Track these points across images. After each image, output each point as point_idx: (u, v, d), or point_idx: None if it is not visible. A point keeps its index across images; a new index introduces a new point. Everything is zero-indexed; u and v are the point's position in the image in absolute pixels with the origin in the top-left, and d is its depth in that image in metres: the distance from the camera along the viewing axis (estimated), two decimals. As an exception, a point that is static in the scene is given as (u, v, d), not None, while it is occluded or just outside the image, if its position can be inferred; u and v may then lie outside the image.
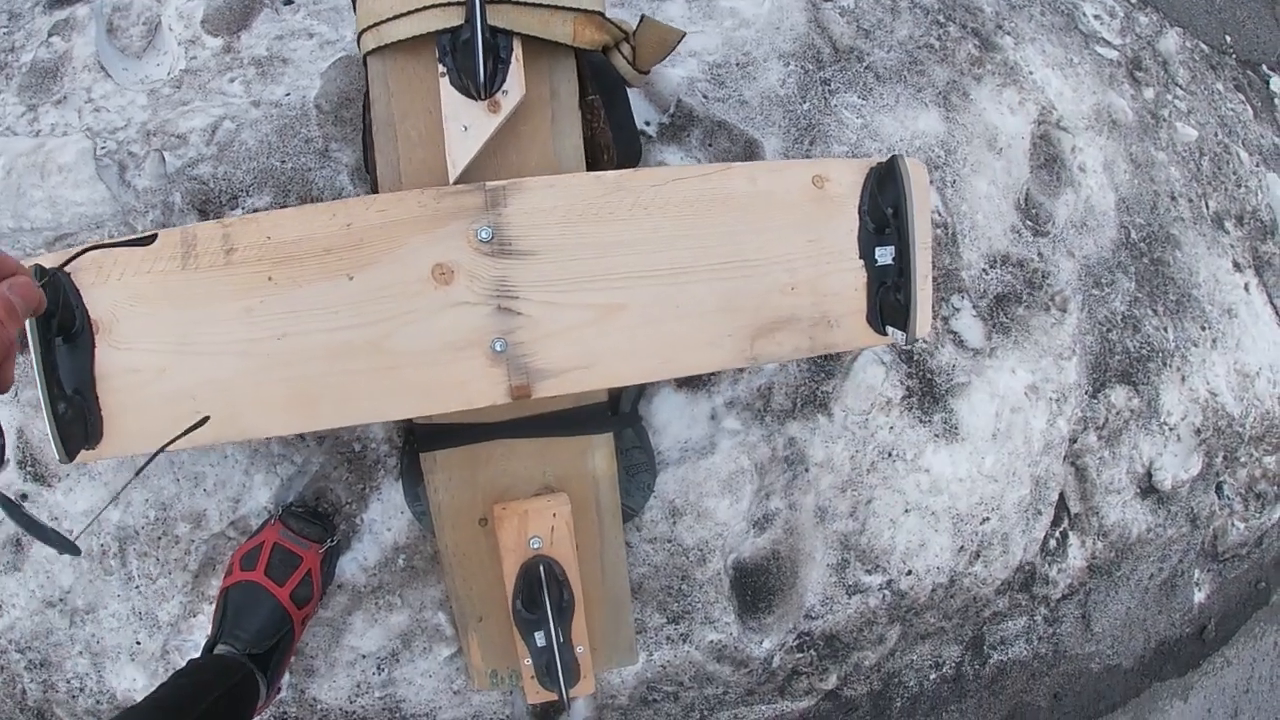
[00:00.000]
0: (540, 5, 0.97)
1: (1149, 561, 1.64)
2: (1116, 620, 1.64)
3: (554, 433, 1.09)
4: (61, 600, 1.22)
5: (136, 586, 1.21)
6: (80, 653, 1.25)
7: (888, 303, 1.10)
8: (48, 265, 0.96)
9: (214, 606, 1.14)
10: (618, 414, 1.14)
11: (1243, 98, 2.14)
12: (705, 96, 1.28)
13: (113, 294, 0.97)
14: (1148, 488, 1.60)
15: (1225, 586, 1.79)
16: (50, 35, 1.42)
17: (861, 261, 1.09)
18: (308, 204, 1.08)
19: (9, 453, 0.62)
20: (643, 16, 1.01)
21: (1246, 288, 1.82)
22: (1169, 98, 1.93)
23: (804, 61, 1.34)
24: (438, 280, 0.96)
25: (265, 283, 0.97)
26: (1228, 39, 2.30)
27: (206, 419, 0.92)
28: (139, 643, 1.24)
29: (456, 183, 0.97)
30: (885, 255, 1.10)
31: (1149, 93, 1.88)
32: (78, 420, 0.95)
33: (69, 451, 0.94)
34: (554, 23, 0.98)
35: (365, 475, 1.18)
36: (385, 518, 1.18)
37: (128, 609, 1.22)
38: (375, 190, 1.06)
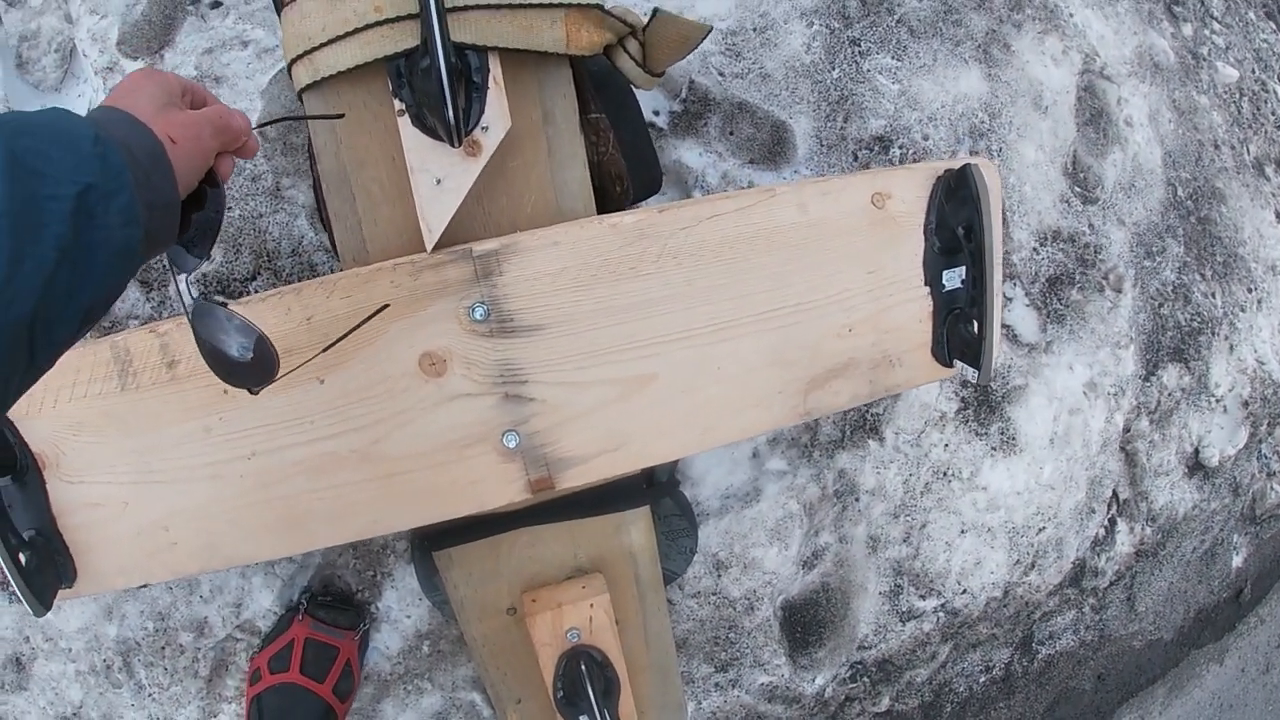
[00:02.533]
0: (519, 6, 0.68)
1: (1193, 536, 1.47)
2: (1159, 597, 1.48)
3: (583, 514, 0.87)
4: (75, 715, 1.04)
5: (150, 695, 1.02)
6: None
7: (956, 333, 0.86)
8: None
9: (245, 717, 0.95)
10: (654, 484, 0.92)
11: (1274, 26, 1.83)
12: (721, 74, 0.99)
13: (50, 424, 0.75)
14: (1195, 465, 1.41)
15: (1261, 547, 1.63)
16: (-54, 76, 1.10)
17: (927, 289, 0.85)
18: (255, 295, 0.81)
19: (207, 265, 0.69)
20: (656, 10, 0.72)
21: (1287, 237, 1.57)
22: (1206, 33, 1.62)
23: (829, 19, 1.05)
24: (427, 372, 0.72)
25: (221, 396, 0.73)
26: (1254, -42, 1.96)
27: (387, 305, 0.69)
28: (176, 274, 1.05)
29: (436, 250, 0.70)
30: (954, 279, 0.86)
31: (1187, 29, 1.58)
32: (46, 565, 0.75)
33: (42, 600, 0.74)
34: (540, 27, 0.70)
35: (374, 562, 0.97)
36: (402, 605, 0.98)
37: (145, 717, 1.03)
38: (336, 253, 0.79)
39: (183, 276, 0.54)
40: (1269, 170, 1.58)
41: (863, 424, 1.08)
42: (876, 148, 1.11)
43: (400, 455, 0.74)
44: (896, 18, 1.15)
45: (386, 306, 0.68)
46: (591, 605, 0.88)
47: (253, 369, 0.56)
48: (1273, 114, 1.62)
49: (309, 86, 0.71)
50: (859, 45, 1.11)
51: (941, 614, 1.16)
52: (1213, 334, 1.36)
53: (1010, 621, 1.26)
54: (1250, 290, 1.44)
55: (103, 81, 1.06)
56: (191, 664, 0.96)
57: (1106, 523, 1.33)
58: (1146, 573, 1.42)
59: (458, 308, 0.70)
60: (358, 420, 0.73)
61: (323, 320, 0.70)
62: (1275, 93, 1.67)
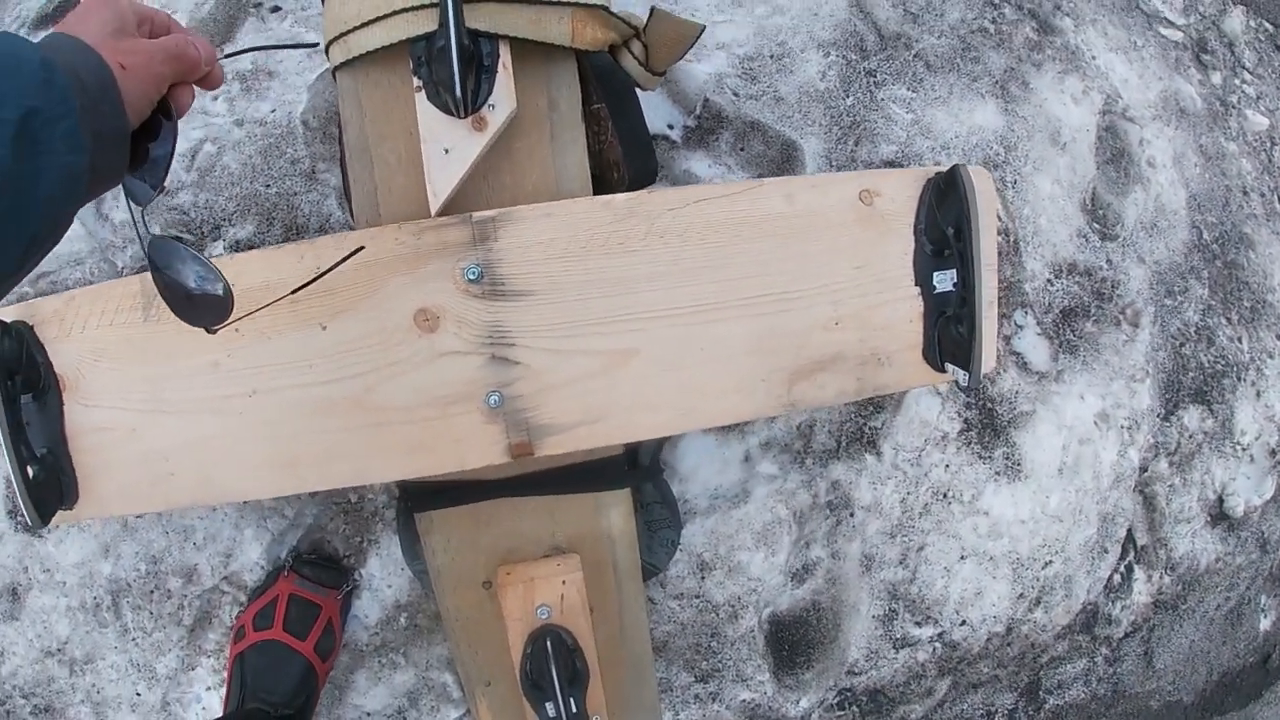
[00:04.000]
0: (530, 2, 0.75)
1: (1216, 592, 1.38)
2: (1179, 655, 1.39)
3: (564, 489, 0.89)
4: (60, 650, 1.08)
5: (133, 639, 1.06)
6: (82, 701, 1.11)
7: (947, 335, 0.87)
8: (8, 318, 0.80)
9: (226, 674, 0.98)
10: (636, 467, 0.93)
11: None
12: (736, 94, 1.05)
13: (76, 348, 0.81)
14: (1218, 514, 1.34)
15: (1297, 612, 1.53)
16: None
17: (918, 289, 0.86)
18: (271, 246, 0.88)
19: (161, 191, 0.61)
20: (653, 9, 0.79)
21: (1323, 288, 1.53)
22: (1236, 82, 1.63)
23: (846, 51, 1.10)
24: (421, 327, 0.77)
25: (231, 334, 0.78)
26: (1292, 14, 1.96)
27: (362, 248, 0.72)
28: (139, 694, 1.09)
29: (440, 214, 0.76)
30: (945, 281, 0.87)
31: (1216, 77, 1.58)
32: (51, 482, 0.81)
33: (42, 515, 0.79)
34: (548, 21, 0.76)
35: (363, 528, 1.00)
36: (385, 573, 1.00)
37: (125, 660, 1.07)
38: (353, 217, 0.86)
39: (138, 209, 0.55)
40: (1303, 221, 1.55)
41: (860, 436, 1.07)
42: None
43: (390, 406, 0.78)
44: (914, 53, 1.20)
45: (362, 249, 0.71)
46: (564, 583, 0.88)
47: (209, 305, 0.57)
48: (1306, 165, 1.60)
49: (342, 65, 0.79)
50: (874, 76, 1.15)
51: (938, 644, 1.12)
52: (1238, 379, 1.32)
53: (1015, 663, 1.20)
54: (1279, 338, 1.40)
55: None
56: (176, 611, 1.00)
57: (1123, 569, 1.27)
58: (1166, 627, 1.34)
59: (454, 268, 0.75)
60: (353, 368, 0.77)
61: (331, 270, 0.75)
62: (1310, 145, 1.65)
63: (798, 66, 1.05)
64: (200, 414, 0.80)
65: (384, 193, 0.81)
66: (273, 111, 1.05)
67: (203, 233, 1.01)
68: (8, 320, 0.81)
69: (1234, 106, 1.58)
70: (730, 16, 1.08)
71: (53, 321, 0.82)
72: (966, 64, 1.17)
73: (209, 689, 1.02)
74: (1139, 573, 1.27)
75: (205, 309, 0.57)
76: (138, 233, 0.56)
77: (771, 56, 1.06)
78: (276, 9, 1.13)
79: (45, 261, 1.07)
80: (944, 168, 0.85)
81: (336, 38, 0.79)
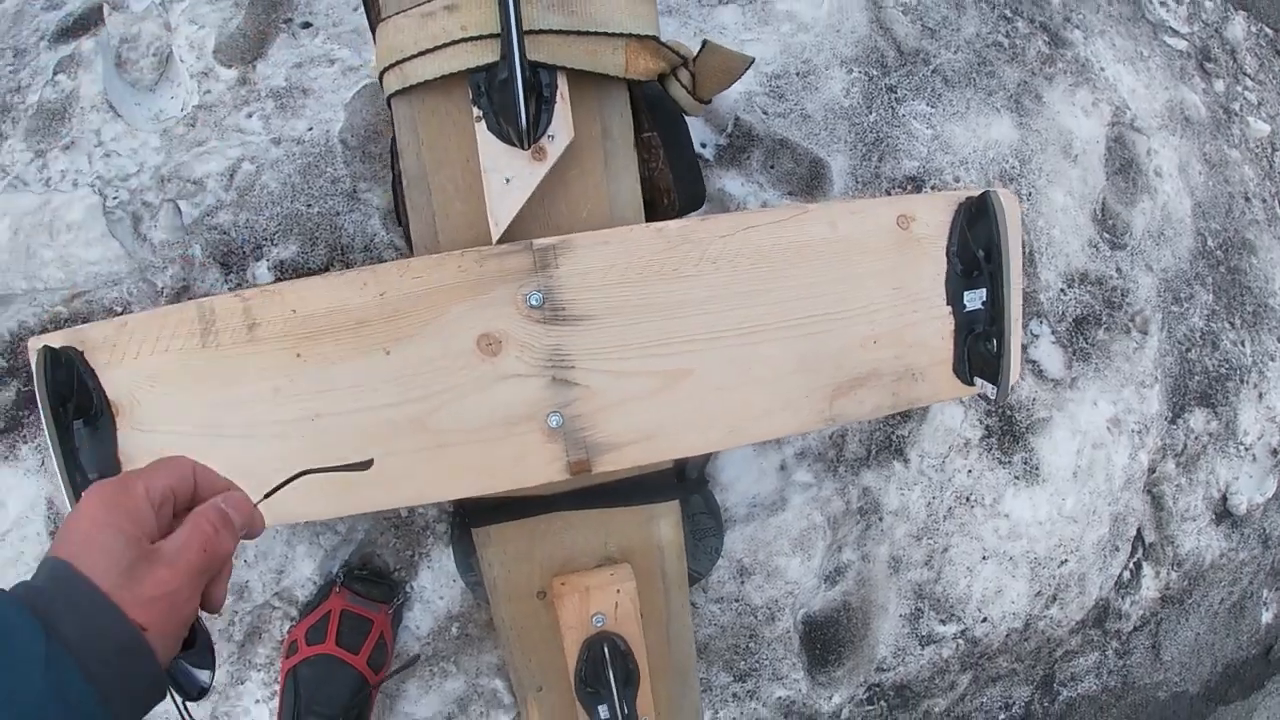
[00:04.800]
0: (587, 34, 0.80)
1: (1220, 587, 1.48)
2: (1185, 647, 1.49)
3: (616, 503, 0.94)
4: None
5: (181, 655, 1.09)
6: None
7: (976, 351, 0.93)
8: (56, 343, 0.83)
9: (279, 689, 1.02)
10: (684, 480, 0.99)
11: None
12: (765, 112, 1.10)
13: (129, 374, 0.84)
14: (1222, 512, 1.43)
15: (1296, 604, 1.63)
16: (56, 73, 1.26)
17: (949, 308, 0.92)
18: (340, 265, 0.92)
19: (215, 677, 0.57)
20: (705, 41, 0.83)
21: (1320, 290, 1.62)
22: (1239, 89, 1.71)
23: (867, 67, 1.16)
24: (484, 352, 0.81)
25: (293, 360, 0.82)
26: (1288, 17, 2.05)
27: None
28: (188, 709, 1.13)
29: (500, 242, 0.81)
30: (974, 300, 0.93)
31: (1219, 85, 1.67)
32: None
33: None
34: (603, 53, 0.81)
35: (414, 541, 1.05)
36: (436, 585, 1.05)
37: None
38: (409, 245, 0.90)
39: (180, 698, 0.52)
40: (1302, 225, 1.64)
41: (888, 444, 1.14)
42: (909, 187, 1.20)
43: (452, 428, 0.82)
44: (932, 68, 1.25)
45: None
46: (618, 592, 0.94)
47: None
48: (1305, 170, 1.69)
49: (398, 93, 0.83)
50: (895, 92, 1.21)
51: (961, 641, 1.19)
52: (1241, 381, 1.40)
53: (1031, 657, 1.28)
54: (1281, 341, 1.49)
55: (197, 85, 1.20)
56: (227, 627, 1.04)
57: (1132, 566, 1.35)
58: (1172, 620, 1.43)
59: (516, 294, 0.80)
60: (416, 392, 0.81)
61: (394, 296, 0.79)
62: (1308, 150, 1.74)
63: (822, 84, 1.11)
64: (261, 439, 0.84)
65: (442, 219, 0.85)
66: (310, 130, 1.08)
67: (244, 253, 1.04)
68: (56, 346, 0.84)
69: (1236, 114, 1.67)
70: (757, 35, 1.13)
71: (104, 348, 0.85)
72: (982, 78, 1.23)
73: (258, 702, 1.06)
74: (1147, 569, 1.36)
75: None
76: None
77: (798, 74, 1.11)
78: (308, 25, 1.16)
79: (82, 280, 1.10)
80: (975, 192, 0.91)
81: (391, 65, 0.83)
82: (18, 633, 0.36)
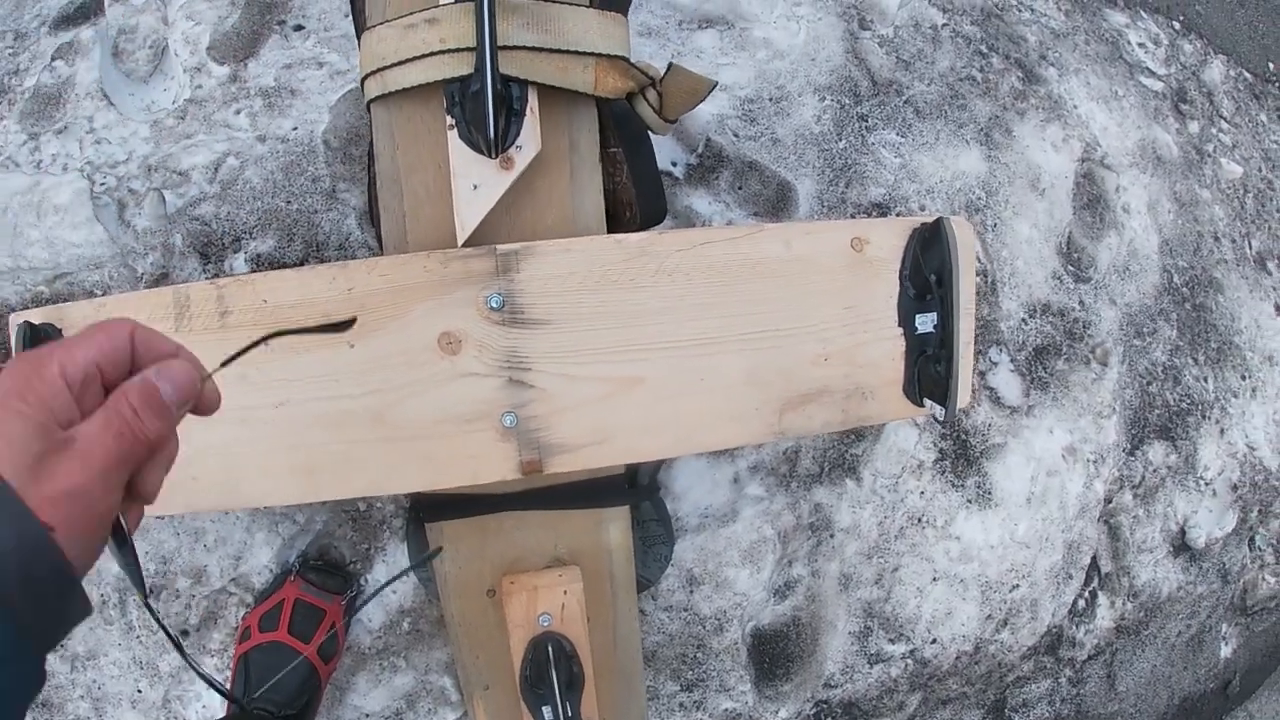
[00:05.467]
0: (558, 51, 0.85)
1: (1178, 619, 1.52)
2: (1141, 679, 1.52)
3: (567, 505, 0.98)
4: (61, 645, 1.15)
5: (137, 637, 1.13)
6: (81, 697, 1.18)
7: (926, 373, 0.98)
8: (36, 320, 0.87)
9: (230, 673, 1.05)
10: (635, 486, 1.03)
11: None
12: (736, 135, 1.16)
13: None
14: (1180, 545, 1.48)
15: (1252, 640, 1.67)
16: (54, 59, 1.32)
17: (900, 330, 0.97)
18: (305, 266, 0.97)
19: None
20: (671, 63, 0.89)
21: (1289, 332, 1.68)
22: (1213, 131, 1.78)
23: (840, 95, 1.22)
24: (444, 350, 0.86)
25: (261, 350, 0.86)
26: (1270, 65, 2.14)
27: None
28: (140, 691, 1.16)
29: (465, 245, 0.86)
30: (926, 323, 0.98)
31: (1194, 126, 1.73)
32: None
33: None
34: (573, 70, 0.86)
35: (370, 535, 1.09)
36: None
37: (128, 658, 1.14)
38: (381, 245, 0.95)
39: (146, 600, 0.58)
40: (1270, 265, 1.70)
41: (841, 462, 1.18)
42: (874, 213, 1.26)
43: (410, 422, 0.87)
44: (904, 99, 1.32)
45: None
46: (565, 593, 0.98)
47: None
48: (1276, 211, 1.76)
49: (377, 98, 0.88)
50: (866, 121, 1.27)
51: (910, 661, 1.23)
52: (1203, 416, 1.45)
53: (982, 681, 1.32)
54: (1244, 378, 1.54)
55: (190, 79, 1.25)
56: (184, 610, 1.07)
57: (1087, 595, 1.39)
58: (1128, 651, 1.47)
59: (477, 296, 0.84)
60: (377, 385, 0.86)
61: (360, 293, 0.84)
62: (1281, 193, 1.81)
63: (795, 110, 1.17)
64: (226, 423, 0.88)
65: (412, 221, 0.90)
66: (294, 129, 1.14)
67: (223, 244, 1.09)
68: (36, 322, 0.88)
69: (1209, 155, 1.73)
70: (733, 59, 1.19)
71: (82, 325, 0.90)
72: (954, 111, 1.29)
73: (210, 689, 1.10)
74: (1103, 598, 1.40)
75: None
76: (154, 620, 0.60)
77: (770, 99, 1.17)
78: (300, 28, 1.22)
79: (65, 261, 1.14)
80: (930, 218, 0.96)
81: (373, 72, 0.89)
82: None
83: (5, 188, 1.18)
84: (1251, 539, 1.61)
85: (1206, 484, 1.47)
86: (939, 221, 0.93)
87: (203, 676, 0.66)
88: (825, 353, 0.94)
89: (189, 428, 0.89)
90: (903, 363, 0.98)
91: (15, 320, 0.88)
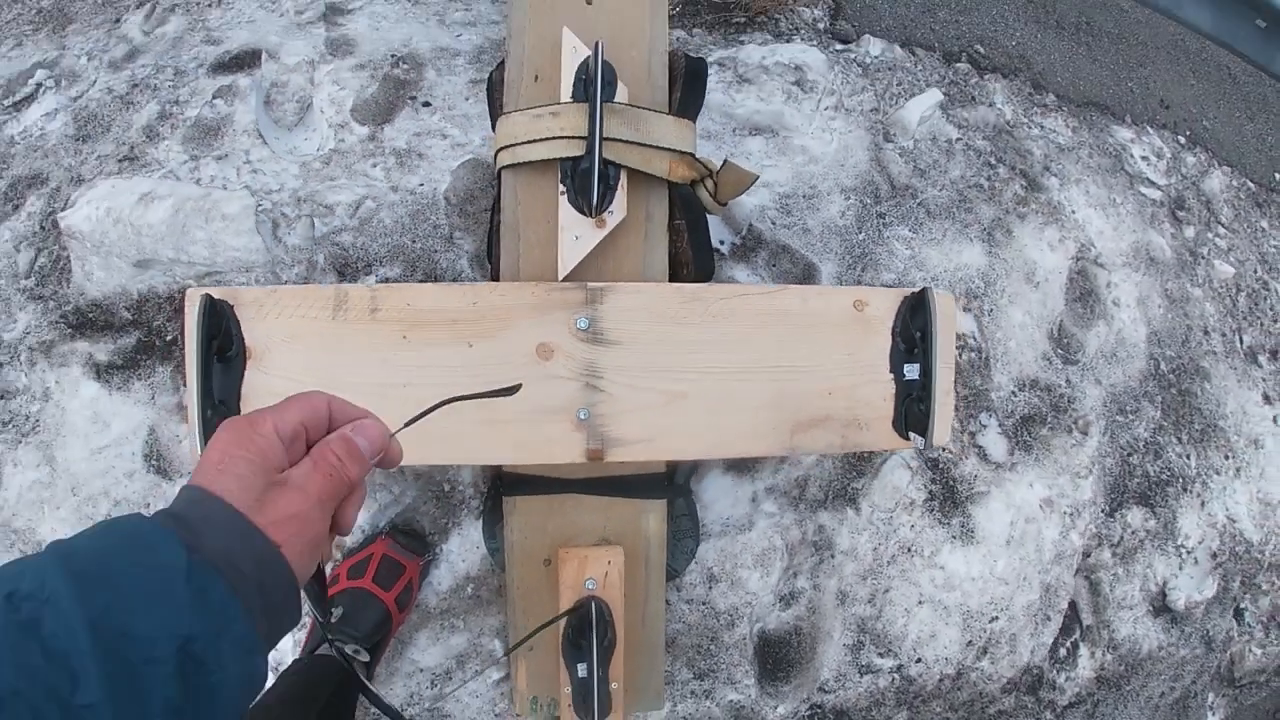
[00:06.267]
0: (644, 145, 1.31)
1: (1160, 679, 1.82)
2: (1124, 737, 1.82)
3: (617, 493, 1.37)
4: None
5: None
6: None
7: (912, 412, 1.37)
8: (215, 295, 1.30)
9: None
10: (673, 484, 1.42)
11: None
12: (773, 223, 1.60)
13: (269, 328, 1.25)
14: (1161, 606, 1.80)
15: (1240, 713, 1.95)
16: (214, 97, 1.81)
17: (891, 375, 1.37)
18: (441, 282, 1.41)
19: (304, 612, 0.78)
20: (726, 160, 1.34)
21: (1276, 420, 2.03)
22: (1209, 235, 2.20)
23: (863, 196, 1.66)
24: (540, 356, 1.27)
25: (400, 340, 1.28)
26: (1277, 175, 2.56)
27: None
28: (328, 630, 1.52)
29: (564, 280, 1.29)
30: (912, 371, 1.38)
31: (1189, 231, 2.15)
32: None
33: (205, 445, 1.23)
34: (654, 160, 1.32)
35: (450, 511, 1.48)
36: (462, 550, 1.47)
37: None
38: (495, 277, 1.39)
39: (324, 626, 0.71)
40: (1262, 359, 2.07)
41: (843, 493, 1.56)
42: (891, 282, 1.68)
43: (507, 409, 1.28)
44: (918, 201, 1.75)
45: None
46: (609, 563, 1.35)
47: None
48: (1270, 309, 2.14)
49: (507, 166, 1.34)
50: (884, 218, 1.71)
51: (897, 676, 1.56)
52: (1184, 489, 1.81)
53: (965, 709, 1.63)
54: (1228, 458, 1.89)
55: (334, 133, 1.74)
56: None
57: (1069, 644, 1.72)
58: (1110, 704, 1.77)
59: (569, 318, 1.27)
60: (485, 377, 1.27)
61: (483, 306, 1.26)
62: (1276, 291, 2.19)
63: (824, 205, 1.61)
64: (363, 393, 1.23)
65: (525, 259, 1.34)
66: (421, 185, 1.60)
67: (358, 267, 1.54)
68: (215, 297, 1.29)
69: (1203, 257, 2.14)
70: (775, 162, 1.64)
71: (252, 305, 1.27)
72: (961, 213, 1.73)
73: (300, 625, 1.47)
74: (1084, 649, 1.72)
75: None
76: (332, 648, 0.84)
77: (804, 196, 1.62)
78: (428, 104, 1.71)
79: (222, 261, 1.59)
80: (917, 288, 1.38)
81: (505, 147, 1.35)
82: (160, 548, 0.42)
83: (179, 193, 1.63)
84: (1239, 612, 1.93)
85: (1187, 551, 1.80)
86: (924, 291, 1.35)
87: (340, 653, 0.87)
88: (830, 388, 1.35)
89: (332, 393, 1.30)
90: (892, 402, 1.38)
91: (194, 294, 1.21)
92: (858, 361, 1.35)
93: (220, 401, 1.25)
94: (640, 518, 1.38)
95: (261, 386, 1.27)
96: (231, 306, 1.28)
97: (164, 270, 1.61)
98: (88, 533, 0.45)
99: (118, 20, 2.19)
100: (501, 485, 1.35)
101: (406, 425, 0.66)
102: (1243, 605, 1.89)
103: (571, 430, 1.28)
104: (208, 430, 1.15)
